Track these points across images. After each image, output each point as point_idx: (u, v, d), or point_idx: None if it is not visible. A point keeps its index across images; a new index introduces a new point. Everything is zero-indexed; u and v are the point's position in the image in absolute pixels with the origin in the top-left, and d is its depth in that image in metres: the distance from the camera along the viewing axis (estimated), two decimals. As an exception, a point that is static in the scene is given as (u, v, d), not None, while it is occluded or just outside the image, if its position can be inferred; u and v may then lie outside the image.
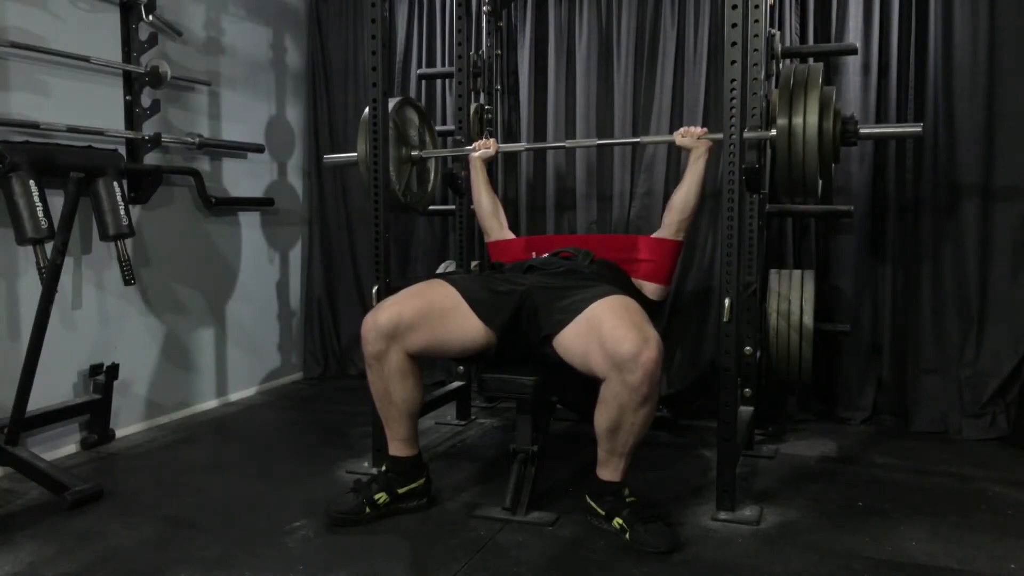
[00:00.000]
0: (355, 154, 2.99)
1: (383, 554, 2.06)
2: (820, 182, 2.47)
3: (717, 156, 2.62)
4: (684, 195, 2.65)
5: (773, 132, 2.40)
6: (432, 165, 3.35)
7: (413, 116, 3.20)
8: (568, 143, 3.04)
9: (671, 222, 2.68)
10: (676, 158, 3.45)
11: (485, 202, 2.98)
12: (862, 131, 2.50)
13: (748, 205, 2.73)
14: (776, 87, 3.03)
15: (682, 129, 2.71)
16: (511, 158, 3.76)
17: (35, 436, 2.75)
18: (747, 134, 2.36)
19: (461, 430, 3.24)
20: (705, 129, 2.68)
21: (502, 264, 2.76)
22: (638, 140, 3.17)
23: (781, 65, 3.03)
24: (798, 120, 2.35)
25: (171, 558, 2.03)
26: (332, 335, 4.17)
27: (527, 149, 3.32)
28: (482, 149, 2.97)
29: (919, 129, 2.49)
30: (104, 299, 3.04)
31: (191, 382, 3.49)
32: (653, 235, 2.73)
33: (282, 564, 2.00)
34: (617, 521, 2.12)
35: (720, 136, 2.45)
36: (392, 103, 2.97)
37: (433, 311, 2.28)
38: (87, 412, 2.93)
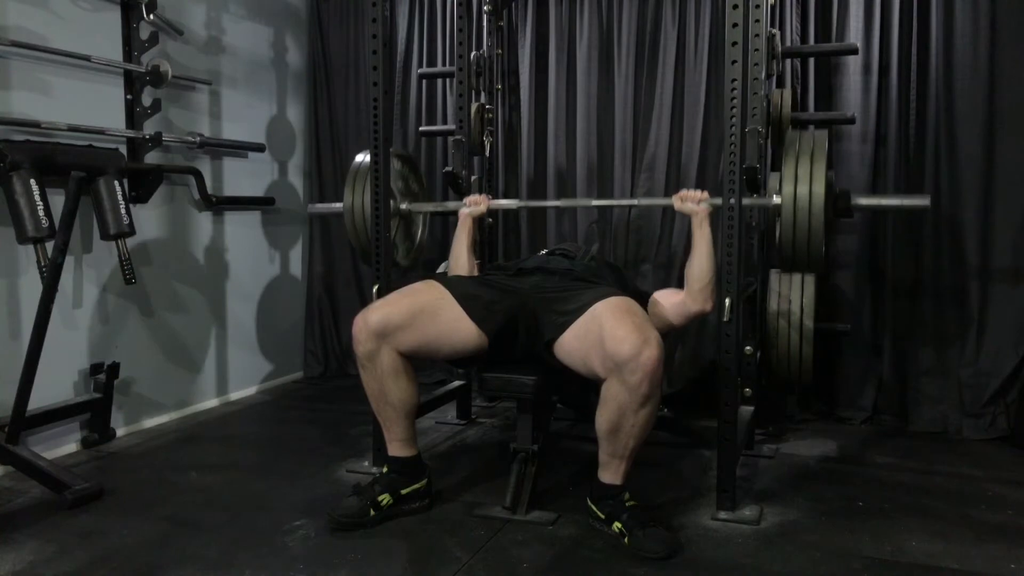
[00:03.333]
0: (339, 204, 2.98)
1: (383, 553, 2.06)
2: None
3: (717, 219, 2.44)
4: (699, 266, 2.36)
5: (777, 200, 2.39)
6: (421, 221, 3.24)
7: (401, 167, 3.10)
8: (561, 202, 3.14)
9: (696, 292, 2.37)
10: (677, 157, 3.45)
11: (462, 267, 2.70)
12: (860, 202, 2.49)
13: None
14: (778, 87, 3.06)
15: (681, 192, 2.48)
16: (512, 157, 3.76)
17: (36, 435, 2.75)
18: (749, 201, 2.36)
19: (461, 429, 3.24)
20: (705, 193, 2.44)
21: (498, 265, 2.75)
22: (636, 202, 3.10)
23: (781, 65, 3.03)
24: (804, 189, 2.33)
25: (171, 557, 2.03)
26: (332, 334, 4.17)
27: (520, 207, 3.05)
28: (472, 206, 2.76)
29: (926, 203, 2.44)
30: (105, 298, 3.04)
31: (191, 381, 3.49)
32: (679, 296, 2.44)
33: (282, 564, 2.00)
34: (617, 525, 2.12)
35: (719, 201, 2.32)
36: None
37: (424, 311, 2.28)
38: (87, 411, 2.93)
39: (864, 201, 2.56)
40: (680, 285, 3.33)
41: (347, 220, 2.98)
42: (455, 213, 2.92)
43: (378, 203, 2.68)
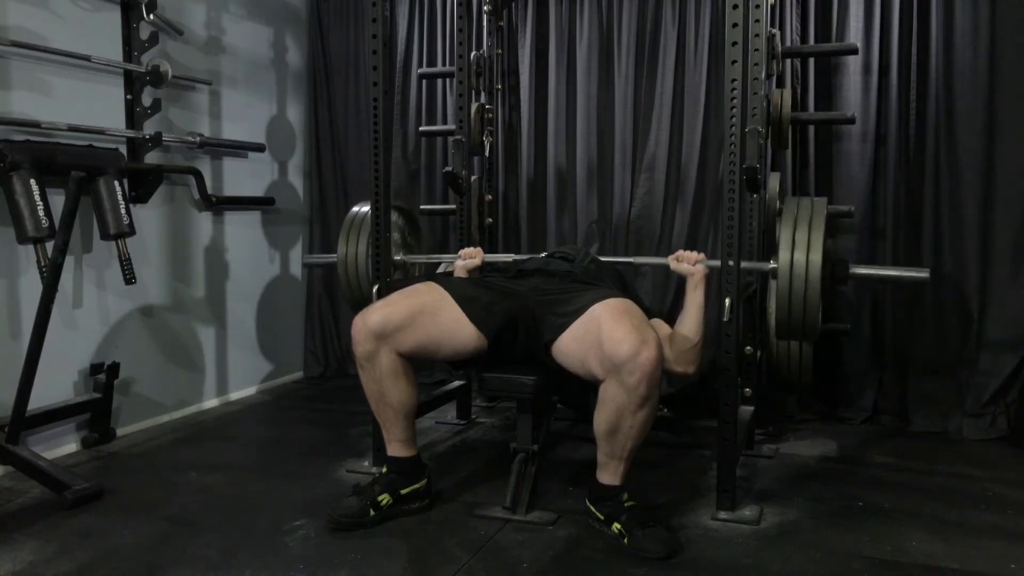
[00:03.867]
0: (334, 256, 2.97)
1: (383, 553, 2.06)
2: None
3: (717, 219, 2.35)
4: (688, 329, 2.33)
5: (773, 264, 2.35)
6: (417, 272, 3.23)
7: (399, 220, 3.10)
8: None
9: (680, 352, 2.31)
10: (676, 158, 3.45)
11: None
12: (858, 271, 2.43)
13: (748, 205, 2.73)
14: (778, 87, 3.06)
15: (677, 253, 2.44)
16: (512, 157, 3.76)
17: (36, 435, 2.75)
18: (747, 264, 2.32)
19: (461, 429, 3.24)
20: (702, 255, 2.39)
21: (497, 267, 2.75)
22: (632, 260, 2.91)
23: (781, 65, 3.03)
24: (800, 256, 2.27)
25: (171, 557, 2.03)
26: (332, 334, 4.17)
27: (514, 260, 2.81)
28: (467, 259, 2.69)
29: (926, 276, 2.36)
30: (105, 298, 3.04)
31: (192, 381, 3.49)
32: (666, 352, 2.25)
33: (282, 564, 2.00)
34: (616, 526, 2.11)
35: (717, 263, 2.29)
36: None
37: (424, 312, 2.27)
38: (88, 411, 2.93)
39: (862, 271, 2.48)
40: (678, 288, 3.34)
41: (340, 271, 2.98)
42: (463, 177, 2.98)
43: (379, 202, 2.67)
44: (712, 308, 3.38)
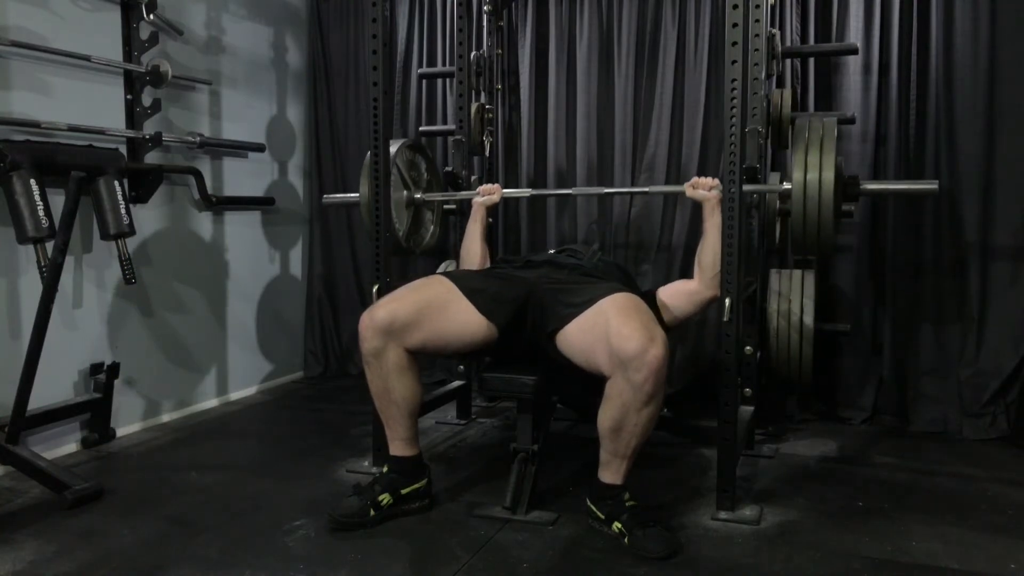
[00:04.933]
0: (356, 194, 2.99)
1: (383, 553, 2.06)
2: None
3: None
4: (712, 251, 2.38)
5: (787, 186, 2.39)
6: (435, 210, 3.32)
7: (419, 160, 3.17)
8: (573, 191, 3.11)
9: (708, 279, 2.40)
10: (677, 157, 3.45)
11: (475, 251, 2.78)
12: (869, 187, 2.55)
13: (748, 205, 2.73)
14: (778, 87, 3.06)
15: (692, 180, 2.51)
16: (512, 157, 3.76)
17: (36, 435, 2.75)
18: (751, 187, 2.37)
19: (461, 429, 3.24)
20: (716, 180, 2.45)
21: (505, 258, 2.76)
22: (647, 190, 3.14)
23: (781, 65, 3.03)
24: (813, 176, 2.36)
25: (171, 557, 2.03)
26: (333, 334, 4.17)
27: (532, 195, 3.17)
28: (486, 195, 2.83)
29: (934, 187, 2.48)
30: (105, 298, 3.04)
31: (192, 381, 3.49)
32: (688, 284, 2.49)
33: (282, 563, 2.00)
34: (616, 525, 2.11)
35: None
36: (396, 145, 2.95)
37: (431, 306, 2.27)
38: (87, 411, 2.93)
39: (872, 186, 2.62)
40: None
41: (363, 211, 2.98)
42: (462, 209, 2.99)
43: (378, 202, 2.67)
44: (712, 308, 3.39)
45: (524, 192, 3.16)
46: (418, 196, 3.05)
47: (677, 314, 2.49)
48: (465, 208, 3.31)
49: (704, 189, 2.46)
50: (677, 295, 2.50)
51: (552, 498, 2.40)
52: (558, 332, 2.22)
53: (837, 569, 1.96)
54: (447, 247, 3.92)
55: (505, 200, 3.81)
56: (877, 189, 2.69)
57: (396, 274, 3.44)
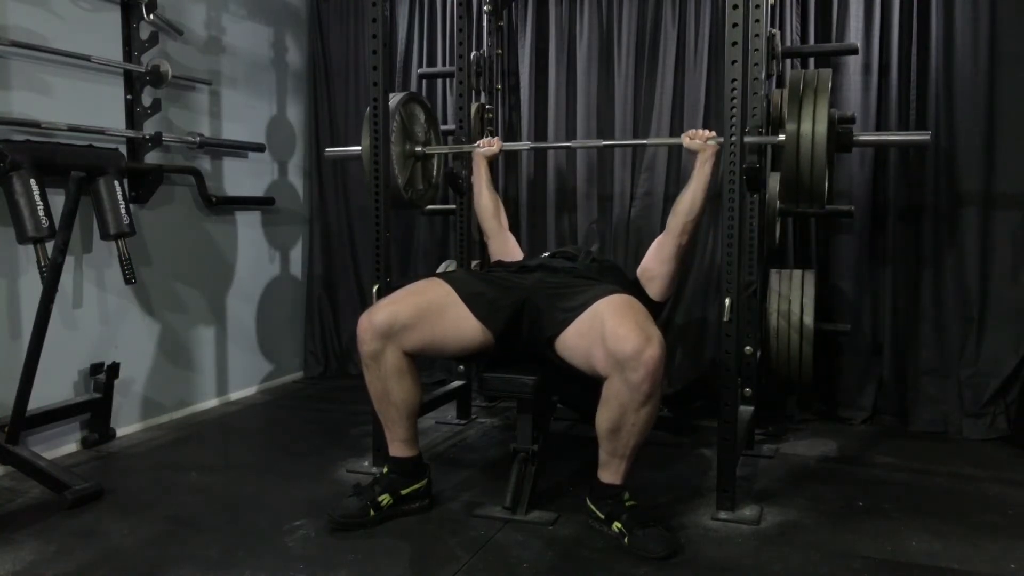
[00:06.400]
0: (358, 147, 2.98)
1: (383, 553, 2.06)
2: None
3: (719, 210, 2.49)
4: (691, 198, 2.48)
5: (781, 137, 2.39)
6: (436, 163, 3.32)
7: (419, 113, 3.18)
8: (573, 143, 3.06)
9: (676, 224, 2.50)
10: (677, 158, 3.45)
11: (486, 201, 2.90)
12: (862, 138, 2.54)
13: (748, 205, 2.73)
14: (778, 87, 3.06)
15: (690, 131, 2.58)
16: (512, 158, 3.76)
17: (35, 435, 2.75)
18: (751, 138, 2.36)
19: (461, 429, 3.24)
20: (713, 132, 2.53)
21: (502, 262, 2.76)
22: (645, 142, 3.18)
23: (781, 65, 3.03)
24: (807, 127, 2.34)
25: (171, 557, 2.03)
26: (333, 334, 4.17)
27: (531, 148, 3.31)
28: (486, 147, 2.90)
29: (926, 138, 2.49)
30: (105, 298, 3.04)
31: (191, 381, 3.49)
32: (656, 240, 2.58)
33: (282, 564, 2.00)
34: (616, 525, 2.11)
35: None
36: (398, 98, 2.96)
37: (430, 310, 2.28)
38: (87, 411, 2.93)
39: (865, 137, 2.63)
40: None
41: (364, 162, 2.95)
42: (464, 177, 3.10)
43: (378, 202, 2.67)
44: (712, 308, 3.39)
45: (524, 145, 3.31)
46: (419, 149, 3.07)
47: (658, 279, 2.52)
48: (465, 206, 3.32)
49: (700, 140, 2.52)
50: (649, 259, 2.55)
51: (552, 498, 2.40)
52: (556, 338, 2.22)
53: (837, 569, 1.96)
54: (447, 244, 3.93)
55: (505, 203, 3.82)
56: (871, 140, 2.72)
57: (396, 274, 3.45)
